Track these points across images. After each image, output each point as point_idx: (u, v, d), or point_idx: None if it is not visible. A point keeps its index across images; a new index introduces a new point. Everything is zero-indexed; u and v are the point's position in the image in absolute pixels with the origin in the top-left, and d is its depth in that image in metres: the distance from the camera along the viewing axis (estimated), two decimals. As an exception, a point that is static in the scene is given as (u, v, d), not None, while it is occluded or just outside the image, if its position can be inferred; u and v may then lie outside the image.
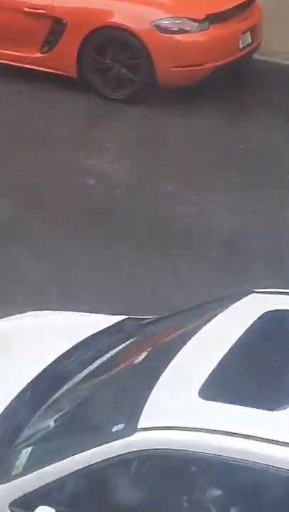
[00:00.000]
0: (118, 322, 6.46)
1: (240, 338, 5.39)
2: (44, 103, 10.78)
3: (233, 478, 4.88)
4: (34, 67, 10.91)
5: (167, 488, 5.02)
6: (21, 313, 6.78)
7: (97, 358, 5.98)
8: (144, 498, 5.09)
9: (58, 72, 10.83)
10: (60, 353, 6.01)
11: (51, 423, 5.52)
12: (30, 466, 5.25)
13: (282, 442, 4.72)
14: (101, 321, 6.47)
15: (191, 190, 9.63)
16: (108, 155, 9.95)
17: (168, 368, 5.33)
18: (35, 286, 8.10)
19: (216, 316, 5.74)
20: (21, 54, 11.03)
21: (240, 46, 10.81)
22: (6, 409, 5.64)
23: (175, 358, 5.40)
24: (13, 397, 5.70)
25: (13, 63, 10.99)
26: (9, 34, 11.00)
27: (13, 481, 5.23)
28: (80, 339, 6.17)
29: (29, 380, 5.79)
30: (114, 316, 6.49)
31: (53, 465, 5.08)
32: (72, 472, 5.03)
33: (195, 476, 4.94)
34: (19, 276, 8.28)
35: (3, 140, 10.46)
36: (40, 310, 6.78)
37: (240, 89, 11.25)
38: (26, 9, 10.83)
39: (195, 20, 10.42)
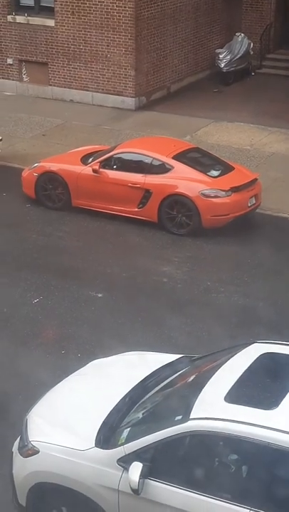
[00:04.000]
0: (178, 358, 7.73)
1: (247, 367, 6.62)
2: (137, 236, 13.16)
3: (243, 448, 6.02)
4: (132, 216, 13.41)
5: (206, 454, 6.21)
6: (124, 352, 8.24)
7: (166, 379, 7.23)
8: (191, 458, 6.23)
9: (147, 219, 13.32)
10: (145, 376, 7.36)
11: (140, 415, 6.82)
12: (129, 439, 6.49)
13: (271, 428, 5.89)
14: (169, 357, 7.76)
15: (221, 284, 11.62)
16: (174, 265, 12.20)
17: (206, 384, 6.52)
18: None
19: (233, 355, 6.92)
20: (125, 208, 13.43)
21: (249, 205, 13.27)
22: (115, 407, 6.97)
23: (211, 379, 6.57)
24: (118, 400, 7.02)
25: (119, 214, 13.48)
26: (119, 197, 13.38)
27: (119, 447, 6.46)
28: (156, 368, 7.50)
29: (127, 391, 7.17)
30: (176, 355, 7.83)
31: (141, 438, 6.36)
32: (152, 443, 6.27)
33: (222, 447, 6.15)
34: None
35: (115, 256, 12.30)
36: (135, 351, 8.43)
37: (247, 229, 13.22)
38: (130, 184, 13.27)
39: (224, 191, 12.96)
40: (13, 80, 21.14)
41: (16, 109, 19.46)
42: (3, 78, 21.20)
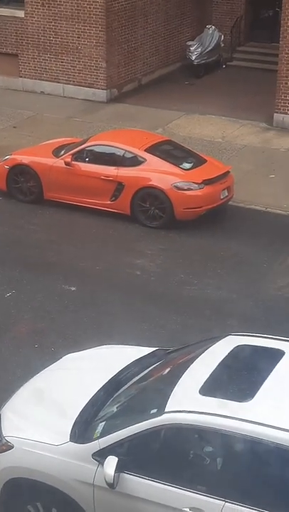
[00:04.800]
0: (152, 351, 7.75)
1: (222, 360, 6.64)
2: (110, 228, 13.13)
3: (217, 441, 6.07)
4: (105, 209, 13.39)
5: (181, 447, 6.25)
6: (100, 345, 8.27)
7: (141, 372, 7.22)
8: (166, 451, 6.26)
9: (119, 211, 13.29)
10: (119, 369, 7.34)
11: (115, 409, 6.80)
12: (103, 433, 6.48)
13: (246, 420, 5.94)
14: (143, 350, 7.77)
15: (194, 277, 11.63)
16: (147, 257, 12.22)
17: (181, 377, 6.54)
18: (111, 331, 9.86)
19: (208, 348, 6.93)
20: (97, 201, 13.39)
21: (221, 197, 13.31)
22: (89, 401, 6.98)
23: (185, 372, 6.58)
24: (92, 394, 7.00)
25: (92, 206, 13.46)
26: (91, 190, 13.33)
27: (94, 441, 6.46)
28: (131, 361, 7.49)
29: (101, 385, 7.14)
30: (150, 348, 7.83)
31: (116, 432, 6.35)
32: (127, 436, 6.27)
33: (197, 440, 6.20)
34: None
35: (88, 249, 12.31)
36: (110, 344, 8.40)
37: (220, 221, 13.33)
38: (102, 177, 13.22)
39: (196, 183, 12.98)
40: (-18, 71, 20.90)
41: (-14, 102, 19.27)
42: (-28, 70, 20.97)
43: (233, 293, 11.29)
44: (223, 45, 22.27)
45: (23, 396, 7.37)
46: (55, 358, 8.12)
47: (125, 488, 6.25)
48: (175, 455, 6.23)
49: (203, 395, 6.24)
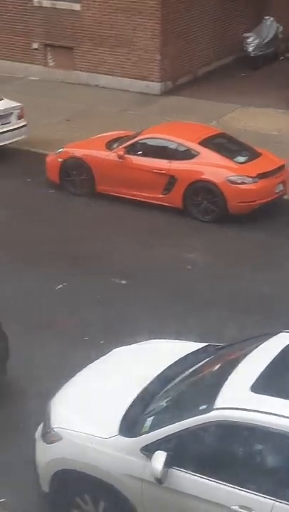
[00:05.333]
0: (203, 347, 7.74)
1: (274, 357, 6.60)
2: (161, 222, 13.22)
3: (268, 439, 6.03)
4: (157, 202, 13.43)
5: (230, 444, 6.22)
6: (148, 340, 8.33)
7: (190, 367, 7.21)
8: (215, 448, 6.26)
9: (171, 205, 13.32)
10: (168, 364, 7.36)
11: (164, 404, 6.83)
12: (152, 427, 6.54)
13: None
14: (193, 346, 7.76)
15: (246, 272, 11.57)
16: (199, 251, 12.25)
17: (232, 374, 6.51)
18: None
19: (260, 345, 6.89)
20: (150, 195, 13.44)
21: (276, 191, 13.30)
22: (138, 395, 7.02)
23: (236, 369, 6.57)
24: (141, 388, 7.04)
25: (144, 200, 13.53)
26: (143, 183, 13.39)
27: (142, 436, 6.51)
28: (180, 356, 7.50)
29: (150, 379, 7.16)
30: (201, 343, 7.81)
31: (164, 427, 6.39)
32: (176, 432, 6.29)
33: (247, 438, 6.15)
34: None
35: (139, 243, 12.38)
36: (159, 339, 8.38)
37: (274, 216, 13.24)
38: (155, 170, 13.30)
39: (250, 177, 12.96)
40: (38, 64, 21.08)
41: (41, 95, 19.42)
42: (28, 63, 21.15)
43: (287, 289, 11.16)
44: (281, 36, 21.98)
45: (73, 388, 7.40)
46: (104, 351, 8.13)
47: (173, 484, 6.24)
48: (224, 452, 6.20)
49: (255, 392, 6.20)
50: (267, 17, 21.96)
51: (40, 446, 7.05)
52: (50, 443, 6.90)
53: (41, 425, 7.22)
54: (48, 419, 7.10)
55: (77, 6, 20.15)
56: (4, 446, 7.91)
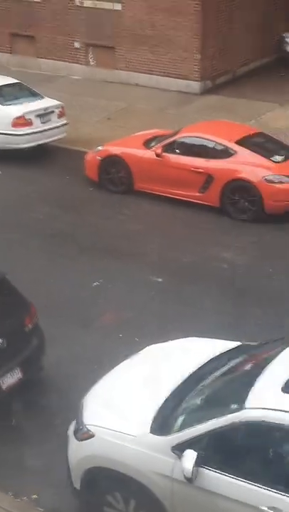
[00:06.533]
0: (236, 346, 7.72)
1: None
2: (198, 220, 13.08)
3: None
4: (194, 201, 13.38)
5: (261, 444, 6.15)
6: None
7: (223, 366, 7.15)
8: (245, 448, 6.20)
9: (208, 203, 13.28)
10: (202, 362, 7.30)
11: (196, 403, 6.78)
12: (183, 426, 6.50)
13: None
14: (227, 345, 7.72)
15: (283, 272, 11.45)
16: (235, 251, 12.14)
17: (263, 373, 6.48)
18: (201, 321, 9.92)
19: None
20: (187, 193, 13.41)
21: None
22: (171, 393, 6.96)
23: (267, 368, 6.54)
24: (173, 387, 6.95)
25: (181, 198, 13.51)
26: (181, 182, 13.36)
27: (173, 435, 6.47)
28: (214, 354, 7.46)
29: (183, 377, 7.10)
30: (234, 342, 7.78)
31: (195, 427, 6.35)
32: (206, 431, 6.25)
33: (278, 438, 6.06)
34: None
35: (176, 241, 12.43)
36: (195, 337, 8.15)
37: None
38: (192, 168, 13.26)
39: (287, 176, 12.83)
40: (80, 63, 21.13)
41: (83, 93, 19.48)
42: (70, 62, 21.22)
43: None
44: None
45: (106, 386, 7.34)
46: (138, 348, 8.06)
47: (204, 483, 6.17)
48: (254, 452, 6.13)
49: (286, 392, 6.12)
50: (307, 17, 21.73)
51: (73, 443, 6.98)
52: (82, 440, 6.84)
53: (74, 422, 7.15)
54: (80, 416, 7.04)
55: (118, 6, 20.11)
56: (38, 443, 7.88)
